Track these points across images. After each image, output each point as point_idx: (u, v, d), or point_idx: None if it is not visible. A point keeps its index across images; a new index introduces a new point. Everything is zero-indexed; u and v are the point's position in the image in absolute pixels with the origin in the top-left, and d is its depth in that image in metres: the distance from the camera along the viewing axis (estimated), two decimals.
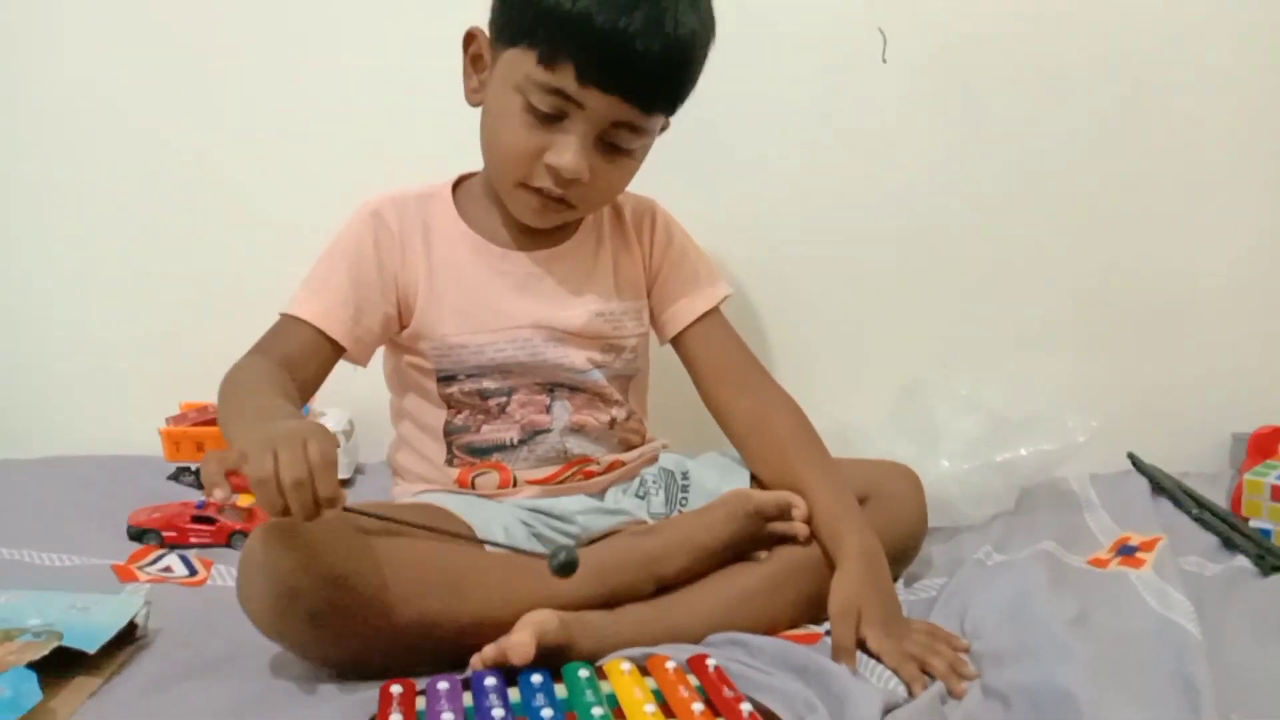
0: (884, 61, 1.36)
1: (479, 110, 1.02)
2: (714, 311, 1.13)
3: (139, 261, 1.45)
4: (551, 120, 0.95)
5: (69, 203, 1.45)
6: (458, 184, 1.10)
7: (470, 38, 1.02)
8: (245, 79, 1.41)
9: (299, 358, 0.99)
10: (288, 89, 1.41)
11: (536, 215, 1.03)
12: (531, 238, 1.07)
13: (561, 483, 1.07)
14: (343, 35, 1.40)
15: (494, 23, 0.99)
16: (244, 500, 1.26)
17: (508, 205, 1.04)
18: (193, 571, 1.09)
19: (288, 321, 1.01)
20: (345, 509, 0.81)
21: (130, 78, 1.41)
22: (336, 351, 1.02)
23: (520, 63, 0.95)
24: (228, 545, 1.16)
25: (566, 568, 0.83)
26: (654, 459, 1.14)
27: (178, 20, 1.40)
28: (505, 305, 1.05)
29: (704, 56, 0.99)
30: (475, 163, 1.07)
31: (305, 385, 0.99)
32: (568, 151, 0.96)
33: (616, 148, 0.99)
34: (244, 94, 1.41)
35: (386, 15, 1.39)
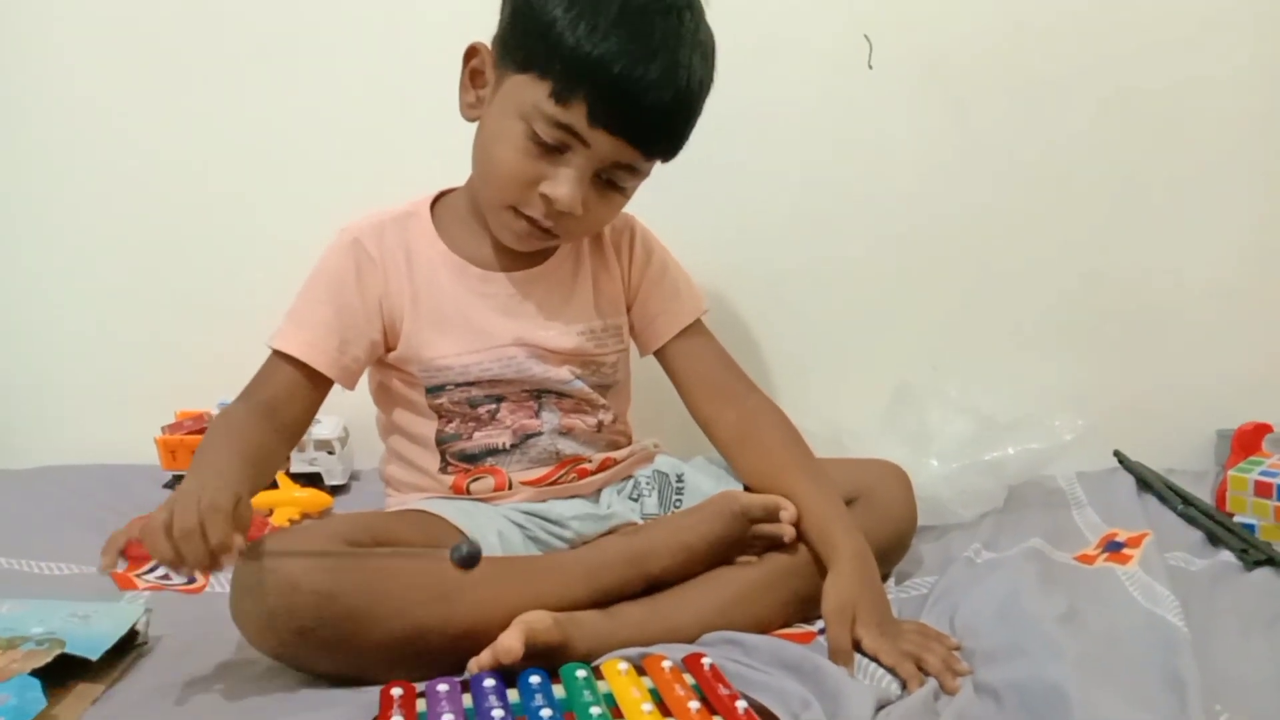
0: (870, 68, 1.38)
1: (469, 124, 1.03)
2: (696, 324, 1.14)
3: (135, 271, 1.46)
4: (552, 151, 0.96)
5: (65, 213, 1.46)
6: (436, 201, 1.10)
7: (473, 52, 1.01)
8: (243, 91, 1.42)
9: (284, 397, 1.01)
10: (285, 101, 1.42)
11: (519, 240, 1.03)
12: (512, 258, 1.07)
13: (556, 483, 1.08)
14: (340, 46, 1.41)
15: (503, 44, 0.99)
16: None
17: (491, 225, 1.04)
18: (191, 579, 1.10)
19: (274, 359, 1.02)
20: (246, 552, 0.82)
21: (128, 90, 1.42)
22: (325, 382, 1.03)
23: (529, 91, 0.95)
24: None
25: (469, 560, 0.81)
26: (648, 460, 1.15)
27: (177, 36, 1.41)
28: (489, 326, 1.05)
29: (704, 105, 1.01)
30: (467, 174, 1.08)
31: (295, 423, 1.02)
32: (565, 185, 0.96)
33: (612, 185, 1.00)
34: (241, 106, 1.42)
35: (382, 27, 1.40)
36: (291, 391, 1.02)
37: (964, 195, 1.43)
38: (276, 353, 1.02)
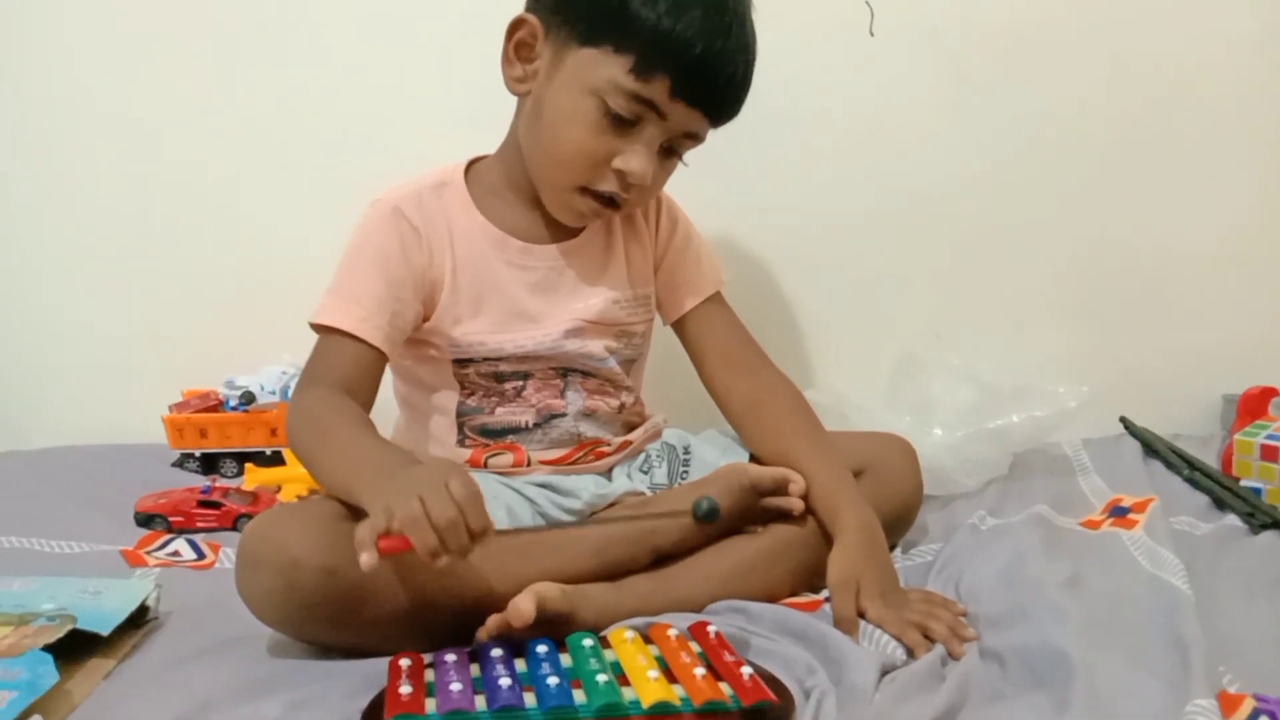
0: (871, 35, 1.37)
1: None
2: (715, 296, 1.15)
3: (139, 252, 1.47)
4: (624, 125, 0.96)
5: (70, 197, 1.46)
6: (467, 170, 1.08)
7: (519, 23, 0.99)
8: (244, 71, 1.42)
9: (355, 377, 0.97)
10: (283, 85, 1.42)
11: (579, 217, 1.04)
12: (550, 230, 1.07)
13: (574, 463, 1.08)
14: (337, 30, 1.41)
15: (559, 16, 0.97)
16: (248, 484, 1.28)
17: (550, 203, 1.03)
18: (201, 555, 1.10)
19: (330, 338, 0.98)
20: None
21: (128, 77, 1.43)
22: (381, 357, 0.99)
23: (603, 66, 0.94)
24: (234, 529, 1.17)
25: (710, 515, 0.84)
26: (657, 435, 1.16)
27: (174, 22, 1.41)
28: (527, 305, 1.05)
29: None
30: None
31: (368, 401, 0.98)
32: (638, 157, 0.97)
33: (673, 153, 1.01)
34: (239, 90, 1.42)
35: (378, 6, 1.39)
36: (360, 370, 0.97)
37: (965, 163, 1.43)
38: (329, 330, 0.98)
